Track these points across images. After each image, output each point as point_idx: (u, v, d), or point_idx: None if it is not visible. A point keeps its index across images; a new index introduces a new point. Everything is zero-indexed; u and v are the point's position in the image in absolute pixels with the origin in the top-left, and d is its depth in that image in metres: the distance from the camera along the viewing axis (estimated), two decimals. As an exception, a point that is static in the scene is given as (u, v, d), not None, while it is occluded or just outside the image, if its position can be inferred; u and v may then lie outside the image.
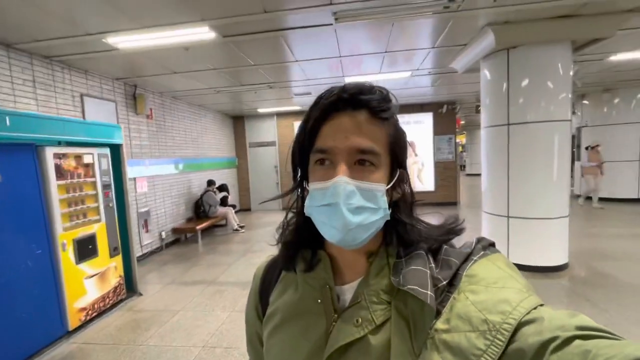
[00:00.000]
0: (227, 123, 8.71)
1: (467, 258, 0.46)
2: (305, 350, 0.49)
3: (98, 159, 3.23)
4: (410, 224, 0.50)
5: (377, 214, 0.46)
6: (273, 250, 0.57)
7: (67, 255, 2.84)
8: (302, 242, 0.55)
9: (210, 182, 6.81)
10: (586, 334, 0.33)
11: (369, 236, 0.47)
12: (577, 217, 6.59)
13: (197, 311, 3.23)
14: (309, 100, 6.81)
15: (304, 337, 0.50)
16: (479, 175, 18.26)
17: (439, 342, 0.40)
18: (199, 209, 6.57)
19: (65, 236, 2.83)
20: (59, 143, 2.90)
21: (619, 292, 3.22)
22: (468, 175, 17.70)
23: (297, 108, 8.15)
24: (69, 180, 2.91)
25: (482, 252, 0.47)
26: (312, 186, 0.48)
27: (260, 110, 8.31)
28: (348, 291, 0.51)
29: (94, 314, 3.09)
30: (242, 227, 6.82)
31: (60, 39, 3.10)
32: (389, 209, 0.48)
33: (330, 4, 2.67)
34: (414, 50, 4.09)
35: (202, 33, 3.10)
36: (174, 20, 2.88)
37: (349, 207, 0.44)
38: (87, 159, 3.11)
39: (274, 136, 9.01)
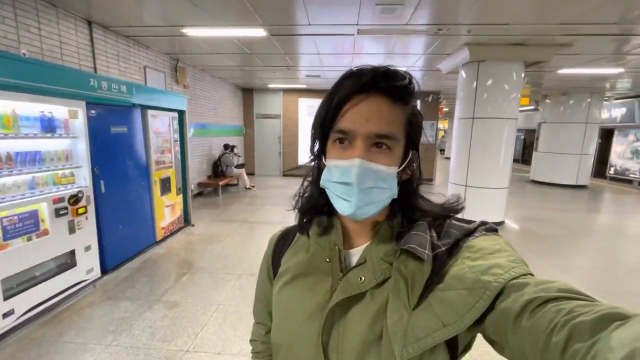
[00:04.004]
0: (238, 95, 9.65)
1: (468, 233, 0.50)
2: (311, 304, 0.54)
3: (171, 120, 4.32)
4: (415, 201, 0.55)
5: (386, 194, 0.51)
6: (284, 206, 0.65)
7: (156, 189, 4.01)
8: (317, 210, 0.60)
9: (227, 146, 7.88)
10: (565, 295, 0.36)
11: (376, 212, 0.52)
12: (522, 195, 8.24)
13: (242, 236, 4.51)
14: (315, 81, 7.94)
15: (311, 292, 0.55)
16: (455, 159, 19.77)
17: (433, 298, 0.44)
18: (217, 169, 7.69)
19: (156, 175, 3.98)
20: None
21: (536, 241, 4.73)
22: (447, 158, 19.28)
23: (303, 86, 9.17)
24: (157, 135, 4.02)
25: (483, 232, 0.50)
26: (330, 162, 0.52)
27: (270, 86, 9.28)
28: (354, 255, 0.56)
29: (168, 233, 4.31)
30: (253, 186, 8.04)
31: (149, 27, 4.08)
32: (397, 186, 0.52)
33: (357, 24, 3.80)
34: (410, 55, 5.27)
35: (257, 33, 4.16)
36: (240, 23, 3.92)
37: (362, 187, 0.49)
38: (166, 120, 4.20)
39: (279, 110, 10.04)
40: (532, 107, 12.20)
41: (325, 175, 0.53)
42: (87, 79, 2.84)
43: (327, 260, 0.56)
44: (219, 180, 7.13)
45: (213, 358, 2.12)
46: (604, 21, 3.54)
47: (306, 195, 0.62)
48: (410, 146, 0.53)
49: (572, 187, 9.35)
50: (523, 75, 4.87)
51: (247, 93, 9.99)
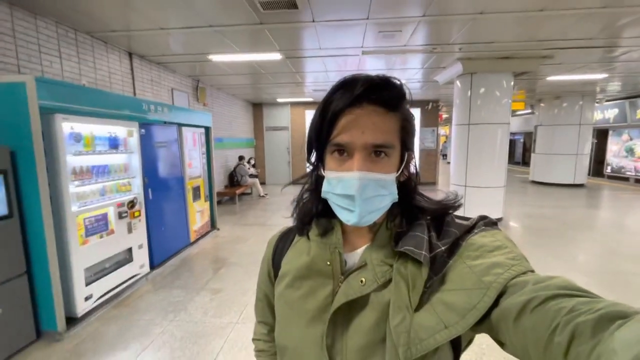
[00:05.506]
0: (249, 109, 10.28)
1: (468, 230, 0.51)
2: (312, 307, 0.55)
3: (199, 136, 4.88)
4: (413, 200, 0.56)
5: (387, 199, 0.52)
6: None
7: (189, 196, 4.53)
8: (317, 214, 0.61)
9: (241, 157, 8.45)
10: (565, 292, 0.36)
11: (378, 217, 0.53)
12: (521, 194, 8.66)
13: (263, 236, 5.00)
14: (321, 94, 8.56)
15: (312, 295, 0.56)
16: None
17: (435, 299, 0.45)
18: (233, 179, 8.23)
19: (189, 184, 4.52)
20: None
21: (533, 234, 5.18)
22: (449, 163, 19.69)
23: (309, 99, 9.78)
24: (189, 149, 4.57)
25: (483, 227, 0.51)
26: (329, 174, 0.53)
27: (279, 100, 9.90)
28: (354, 257, 0.57)
29: (199, 236, 4.82)
30: (266, 194, 8.56)
31: (180, 55, 4.68)
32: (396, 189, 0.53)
33: (362, 47, 4.37)
34: (409, 69, 5.83)
35: (274, 57, 4.74)
36: (260, 49, 4.50)
37: (364, 197, 0.50)
38: (196, 136, 4.76)
39: (287, 122, 10.64)
40: (528, 111, 12.70)
41: (325, 187, 0.54)
42: (140, 103, 3.41)
43: (328, 263, 0.56)
44: (236, 189, 7.66)
45: (258, 327, 2.60)
46: (580, 36, 4.06)
47: (305, 202, 0.64)
48: (405, 148, 0.54)
49: (570, 186, 9.75)
50: (512, 83, 5.39)
51: (257, 107, 10.62)
